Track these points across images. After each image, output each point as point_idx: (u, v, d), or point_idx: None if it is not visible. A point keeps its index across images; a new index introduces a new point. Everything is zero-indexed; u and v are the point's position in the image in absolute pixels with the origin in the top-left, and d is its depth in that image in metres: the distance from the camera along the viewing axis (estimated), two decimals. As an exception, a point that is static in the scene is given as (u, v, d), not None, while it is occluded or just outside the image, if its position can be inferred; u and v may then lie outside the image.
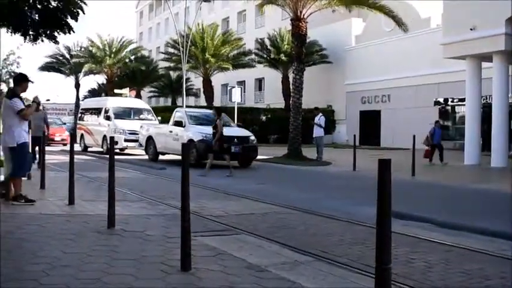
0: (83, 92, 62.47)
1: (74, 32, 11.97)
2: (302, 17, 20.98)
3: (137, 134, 21.13)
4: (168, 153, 18.52)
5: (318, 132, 20.26)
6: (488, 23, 18.46)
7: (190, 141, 16.27)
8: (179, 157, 16.78)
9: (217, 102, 47.74)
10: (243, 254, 5.15)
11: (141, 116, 23.75)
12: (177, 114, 18.51)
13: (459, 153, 21.20)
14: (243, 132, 18.07)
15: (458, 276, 4.76)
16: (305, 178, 14.55)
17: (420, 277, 4.69)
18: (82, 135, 25.07)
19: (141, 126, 20.62)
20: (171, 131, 17.99)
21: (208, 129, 15.81)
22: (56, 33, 12.00)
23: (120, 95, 33.41)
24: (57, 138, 28.75)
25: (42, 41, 12.06)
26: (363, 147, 27.38)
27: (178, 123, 17.82)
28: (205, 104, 44.11)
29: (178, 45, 36.28)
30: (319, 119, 20.36)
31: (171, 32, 51.63)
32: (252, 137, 17.49)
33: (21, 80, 8.13)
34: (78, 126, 26.26)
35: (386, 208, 2.86)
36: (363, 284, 4.27)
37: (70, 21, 11.87)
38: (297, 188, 12.06)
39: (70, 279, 4.15)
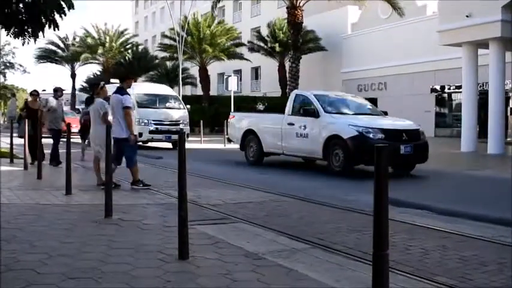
0: (80, 82, 62.29)
1: (58, 29, 11.74)
2: (298, 5, 20.94)
3: (164, 125, 19.80)
4: (280, 154, 13.96)
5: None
6: (485, 9, 18.41)
7: (333, 138, 11.74)
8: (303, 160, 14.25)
9: (213, 91, 47.63)
10: (240, 242, 5.16)
11: (168, 105, 21.34)
12: (300, 99, 13.26)
13: (456, 140, 21.22)
14: (411, 124, 12.60)
15: (455, 263, 4.78)
16: (302, 166, 14.54)
17: (417, 264, 4.70)
18: None
19: (233, 116, 16.34)
20: (291, 123, 12.99)
21: (361, 121, 11.85)
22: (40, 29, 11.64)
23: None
24: (73, 130, 27.84)
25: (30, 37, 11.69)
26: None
27: (305, 112, 12.57)
28: (201, 93, 43.97)
29: (175, 35, 36.11)
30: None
31: (167, 21, 51.36)
32: (421, 130, 12.54)
33: (127, 77, 9.15)
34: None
35: (383, 194, 2.89)
36: (360, 271, 4.28)
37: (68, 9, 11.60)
38: (294, 176, 12.05)
39: (67, 268, 4.15)
